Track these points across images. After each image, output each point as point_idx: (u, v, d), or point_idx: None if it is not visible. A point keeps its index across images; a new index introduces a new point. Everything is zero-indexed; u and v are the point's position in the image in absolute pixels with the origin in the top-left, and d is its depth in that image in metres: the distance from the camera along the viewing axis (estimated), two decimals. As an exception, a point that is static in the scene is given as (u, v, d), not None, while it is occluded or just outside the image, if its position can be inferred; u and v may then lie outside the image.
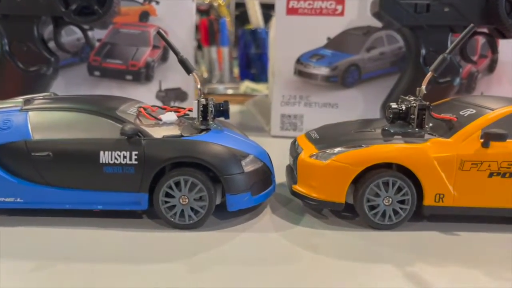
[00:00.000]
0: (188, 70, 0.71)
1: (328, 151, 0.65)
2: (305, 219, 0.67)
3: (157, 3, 1.19)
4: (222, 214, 0.65)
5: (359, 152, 0.63)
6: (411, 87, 1.02)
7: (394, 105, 0.69)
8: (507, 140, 0.62)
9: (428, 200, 0.63)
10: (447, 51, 0.68)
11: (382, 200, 0.63)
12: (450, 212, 0.64)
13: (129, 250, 0.56)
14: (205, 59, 2.36)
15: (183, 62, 0.71)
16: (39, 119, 0.62)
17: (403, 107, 0.68)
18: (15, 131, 0.61)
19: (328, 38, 1.19)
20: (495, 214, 0.65)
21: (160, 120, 0.65)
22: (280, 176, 0.74)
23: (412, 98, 0.69)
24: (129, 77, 1.21)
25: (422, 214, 0.65)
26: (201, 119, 0.69)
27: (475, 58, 1.13)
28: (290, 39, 1.19)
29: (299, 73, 1.21)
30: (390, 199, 0.63)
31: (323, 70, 1.20)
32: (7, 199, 0.61)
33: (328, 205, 0.65)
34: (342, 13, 1.16)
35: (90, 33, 1.16)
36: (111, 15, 1.02)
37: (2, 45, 1.00)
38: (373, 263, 0.55)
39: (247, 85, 2.17)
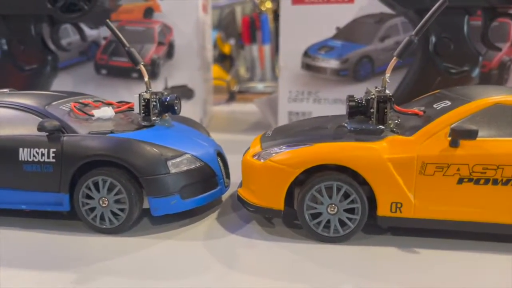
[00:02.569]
0: (135, 62, 0.67)
1: (268, 150, 0.57)
2: (247, 227, 0.59)
3: (161, -2, 1.16)
4: (162, 218, 0.60)
5: (298, 152, 0.54)
6: (421, 78, 0.90)
7: (353, 97, 0.59)
8: (482, 139, 0.51)
9: (383, 210, 0.53)
10: (414, 32, 0.57)
11: (326, 208, 0.54)
12: (411, 224, 0.53)
13: (36, 253, 0.52)
14: (246, 58, 2.31)
15: (130, 54, 0.67)
16: (-31, 116, 0.61)
17: (363, 100, 0.58)
18: None
19: (337, 28, 1.08)
20: (467, 230, 0.53)
21: (92, 115, 0.61)
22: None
23: (377, 89, 0.59)
24: (135, 75, 1.20)
25: (379, 226, 0.54)
26: (143, 114, 0.64)
27: (507, 45, 0.97)
28: (296, 30, 1.11)
29: (307, 67, 1.12)
30: (336, 207, 0.53)
31: (332, 63, 1.10)
32: None
33: (265, 212, 0.56)
34: (351, 0, 1.06)
35: (96, 32, 1.16)
36: (104, 12, 1.01)
37: (1, 45, 1.02)
38: (290, 282, 0.46)
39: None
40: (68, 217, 0.60)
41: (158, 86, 1.21)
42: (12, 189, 0.58)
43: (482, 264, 0.49)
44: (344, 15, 1.07)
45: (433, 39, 0.88)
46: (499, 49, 0.92)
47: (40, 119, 0.59)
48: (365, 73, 1.08)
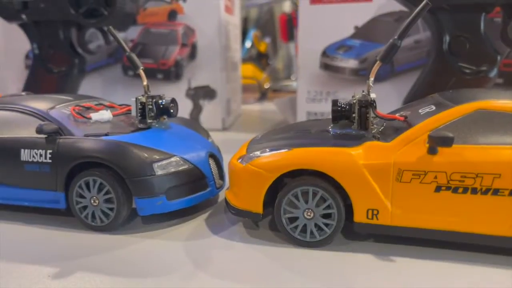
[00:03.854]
0: (135, 66, 0.70)
1: (251, 154, 0.58)
2: (231, 229, 0.60)
3: (184, 1, 1.20)
4: (153, 218, 0.62)
5: (276, 157, 0.55)
6: (435, 79, 0.87)
7: (336, 101, 0.58)
8: (461, 146, 0.49)
9: (359, 216, 0.52)
10: (397, 35, 0.56)
11: (302, 213, 0.54)
12: (387, 232, 0.52)
13: (29, 247, 0.56)
14: (284, 55, 2.31)
15: (130, 59, 0.70)
16: (-17, 118, 0.66)
17: (347, 105, 0.58)
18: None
19: (356, 27, 1.07)
20: (444, 239, 0.51)
21: (89, 118, 0.65)
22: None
23: (362, 93, 0.58)
24: (159, 75, 1.24)
25: (356, 232, 0.54)
26: (139, 117, 0.67)
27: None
28: (314, 30, 1.10)
29: (325, 66, 1.11)
30: (312, 212, 0.53)
31: (351, 63, 1.09)
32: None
33: (245, 215, 0.57)
34: (370, -1, 1.04)
35: (123, 35, 1.22)
36: (126, 16, 1.06)
37: (33, 49, 1.09)
38: (254, 286, 0.47)
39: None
40: (67, 214, 0.64)
41: (181, 86, 1.24)
42: (15, 187, 0.63)
43: (458, 274, 0.47)
44: (362, 14, 1.05)
45: (447, 38, 0.85)
46: (520, 48, 0.87)
47: (39, 120, 0.63)
48: (385, 72, 1.06)
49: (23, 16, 1.05)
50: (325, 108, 1.13)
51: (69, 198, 0.60)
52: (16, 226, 0.62)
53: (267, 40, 2.24)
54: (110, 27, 0.72)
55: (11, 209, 0.67)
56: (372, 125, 0.56)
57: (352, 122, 0.57)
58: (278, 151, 0.55)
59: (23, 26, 1.09)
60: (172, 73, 1.24)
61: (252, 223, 0.62)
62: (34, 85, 1.11)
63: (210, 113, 1.26)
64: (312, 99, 1.13)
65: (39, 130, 0.60)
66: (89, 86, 1.21)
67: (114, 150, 0.58)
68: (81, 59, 1.10)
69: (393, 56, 0.56)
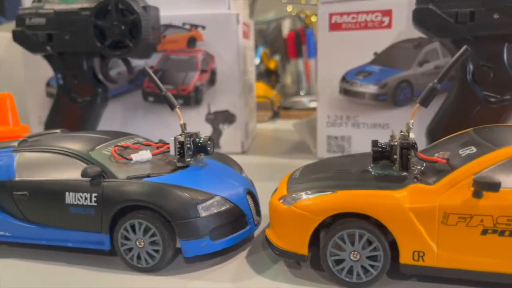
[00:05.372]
0: (171, 106, 0.71)
1: (294, 195, 0.59)
2: (274, 269, 0.61)
3: (203, 28, 1.21)
4: (195, 256, 0.63)
5: (321, 199, 0.56)
6: (459, 109, 0.89)
7: (377, 142, 0.60)
8: (507, 190, 0.50)
9: (405, 258, 0.53)
10: (437, 79, 0.57)
11: (349, 255, 0.55)
12: (434, 273, 0.53)
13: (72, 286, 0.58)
14: (292, 72, 2.33)
15: (166, 98, 0.71)
16: (23, 160, 0.67)
17: (387, 145, 0.59)
18: (3, 171, 0.67)
19: (375, 53, 1.09)
20: (490, 280, 0.52)
21: (130, 159, 0.66)
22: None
23: (401, 134, 0.59)
24: (180, 101, 1.25)
25: (401, 272, 0.55)
26: (178, 156, 0.68)
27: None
28: (334, 56, 1.12)
29: (345, 91, 1.13)
30: (358, 254, 0.55)
31: (371, 88, 1.10)
32: (-1, 233, 0.67)
33: (290, 256, 0.58)
34: (389, 26, 1.06)
35: (143, 61, 1.23)
36: (149, 46, 1.07)
37: (58, 79, 1.11)
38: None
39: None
40: (110, 254, 0.65)
41: (201, 111, 1.26)
42: (60, 229, 0.64)
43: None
44: (381, 41, 1.07)
45: (471, 67, 0.86)
46: (543, 76, 0.88)
47: (84, 164, 0.64)
48: (405, 97, 1.08)
49: (48, 48, 1.07)
50: (345, 132, 1.14)
51: (114, 239, 0.62)
52: (60, 268, 0.63)
53: (277, 57, 2.27)
54: (145, 66, 0.73)
55: (54, 250, 0.68)
56: (413, 166, 0.57)
57: (392, 162, 0.58)
58: (323, 193, 0.56)
59: (47, 57, 1.10)
60: (192, 99, 1.25)
61: (293, 261, 0.63)
62: (58, 115, 1.12)
63: (230, 137, 1.27)
64: (332, 123, 1.15)
65: (84, 174, 0.61)
66: (109, 112, 1.22)
67: (159, 193, 0.60)
68: (104, 88, 1.12)
69: (433, 99, 0.58)
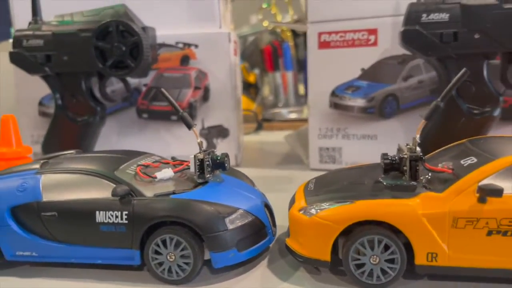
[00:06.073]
0: (188, 125, 0.75)
1: (314, 206, 0.64)
2: (297, 275, 0.66)
3: (196, 46, 1.26)
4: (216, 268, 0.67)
5: (342, 209, 0.61)
6: (446, 120, 0.96)
7: (387, 155, 0.66)
8: (508, 195, 0.57)
9: (420, 259, 0.59)
10: (439, 98, 0.64)
11: (369, 259, 0.60)
12: (446, 272, 0.59)
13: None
14: (270, 84, 2.40)
15: (183, 118, 0.75)
16: (49, 182, 0.69)
17: (397, 158, 0.65)
18: (29, 193, 0.69)
19: (363, 69, 1.16)
20: (497, 276, 0.59)
21: (155, 177, 0.70)
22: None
23: (408, 147, 0.66)
24: (174, 117, 1.29)
25: (416, 273, 0.61)
26: (198, 173, 0.72)
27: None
28: (323, 72, 1.18)
29: (335, 105, 1.19)
30: (378, 258, 0.60)
31: (359, 102, 1.17)
32: (25, 253, 0.69)
33: (314, 263, 0.64)
34: (375, 43, 1.13)
35: (137, 80, 1.26)
36: (148, 66, 1.10)
37: (56, 99, 1.12)
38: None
39: (310, 109, 2.15)
40: (135, 268, 0.68)
41: (196, 127, 1.29)
42: (89, 246, 0.67)
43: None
44: (368, 57, 1.15)
45: (455, 82, 0.94)
46: (519, 89, 0.98)
47: (111, 183, 0.67)
48: (391, 110, 1.15)
49: (46, 69, 1.08)
50: (336, 144, 1.21)
51: (144, 254, 0.65)
52: (91, 284, 0.66)
53: (256, 71, 2.33)
54: (162, 89, 0.77)
55: (79, 267, 0.70)
56: (421, 176, 0.63)
57: (402, 173, 0.65)
58: (343, 204, 0.62)
59: (45, 77, 1.12)
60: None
61: (312, 267, 0.68)
62: (57, 134, 1.14)
63: (224, 151, 1.30)
64: (323, 135, 1.21)
65: (114, 193, 0.65)
66: (105, 129, 1.24)
67: (189, 209, 0.63)
68: (102, 107, 1.14)
69: (436, 115, 0.64)
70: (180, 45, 1.26)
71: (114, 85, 1.27)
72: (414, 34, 0.93)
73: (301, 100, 2.34)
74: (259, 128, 1.93)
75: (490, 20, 0.89)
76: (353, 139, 1.19)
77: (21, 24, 1.16)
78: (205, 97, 1.28)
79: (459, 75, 0.63)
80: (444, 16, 0.91)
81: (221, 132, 1.30)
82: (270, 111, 2.22)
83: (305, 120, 2.02)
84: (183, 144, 1.29)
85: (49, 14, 1.13)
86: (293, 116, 2.17)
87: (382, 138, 1.16)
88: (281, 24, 2.26)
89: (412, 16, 0.93)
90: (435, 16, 0.92)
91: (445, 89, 0.96)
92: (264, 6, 2.38)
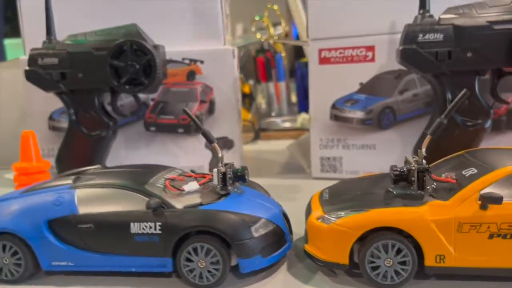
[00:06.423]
0: (210, 141, 0.81)
1: (332, 214, 0.70)
2: (316, 278, 0.72)
3: (202, 62, 1.31)
4: (240, 273, 0.73)
5: (359, 217, 0.68)
6: (442, 132, 1.04)
7: (396, 167, 0.73)
8: (507, 202, 0.64)
9: (429, 261, 0.66)
10: (443, 115, 0.71)
11: (383, 262, 0.67)
12: (452, 272, 0.66)
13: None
14: (263, 94, 2.46)
15: (205, 134, 0.81)
16: (83, 196, 0.74)
17: (405, 169, 0.72)
18: (65, 207, 0.74)
19: (361, 83, 1.23)
20: (498, 274, 0.66)
21: (183, 190, 0.75)
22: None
23: (415, 159, 0.72)
24: (180, 130, 1.34)
25: (426, 274, 0.68)
26: (221, 185, 0.78)
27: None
28: (324, 86, 1.25)
29: (335, 117, 1.26)
30: (391, 261, 0.67)
31: (358, 114, 1.24)
32: (62, 263, 0.74)
33: (333, 266, 0.70)
34: (373, 59, 1.21)
35: (145, 95, 1.31)
36: (158, 82, 1.16)
37: (70, 114, 1.17)
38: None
39: (303, 117, 2.24)
40: (164, 275, 0.74)
41: (201, 139, 1.34)
42: (124, 255, 0.72)
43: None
44: (366, 72, 1.22)
45: (449, 96, 1.02)
46: (507, 103, 1.06)
47: (142, 196, 0.73)
48: (388, 121, 1.23)
49: (61, 86, 1.13)
50: (336, 154, 1.27)
51: (176, 262, 0.70)
52: (127, 291, 0.71)
53: (251, 81, 2.39)
54: (185, 108, 0.83)
55: (112, 275, 0.75)
56: (427, 186, 0.70)
57: (410, 183, 0.71)
58: (359, 212, 0.68)
59: (59, 94, 1.16)
60: (192, 127, 1.34)
61: (328, 270, 0.74)
62: (71, 148, 1.18)
63: (229, 161, 1.37)
64: (324, 145, 1.28)
65: (148, 206, 0.70)
66: (114, 142, 1.29)
67: (218, 219, 0.69)
68: (114, 121, 1.19)
69: (440, 131, 0.71)
70: (187, 61, 1.32)
71: (123, 99, 1.32)
72: (411, 52, 1.00)
73: (294, 109, 2.41)
74: (256, 137, 1.99)
75: (481, 40, 0.97)
76: (352, 149, 1.26)
77: (32, 45, 1.19)
78: (211, 110, 1.34)
79: (460, 95, 0.70)
80: (439, 36, 0.99)
81: (226, 143, 1.36)
82: (264, 120, 2.28)
83: (299, 130, 2.10)
84: (189, 155, 1.35)
85: (60, 33, 1.18)
86: (287, 125, 2.24)
87: (380, 148, 1.24)
88: (285, 41, 2.33)
89: (409, 36, 1.00)
90: (431, 36, 0.99)
91: (440, 102, 1.05)
92: (257, 18, 2.45)
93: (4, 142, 1.52)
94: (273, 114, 2.41)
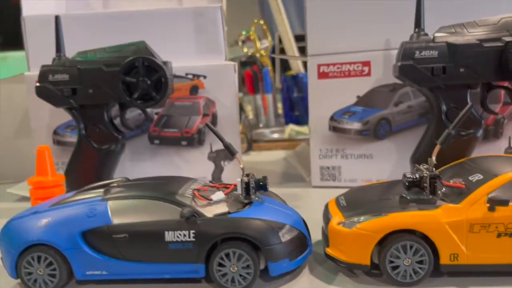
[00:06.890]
0: (232, 153, 0.85)
1: (353, 219, 0.76)
2: (338, 279, 0.78)
3: (205, 77, 1.36)
4: (267, 277, 0.77)
5: (379, 221, 0.74)
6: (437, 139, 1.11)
7: (408, 174, 0.79)
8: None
9: (444, 260, 0.73)
10: (451, 126, 0.78)
11: (403, 261, 0.73)
12: (465, 269, 0.73)
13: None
14: (251, 106, 2.52)
15: (228, 147, 0.85)
16: (116, 207, 0.78)
17: (417, 176, 0.79)
18: (99, 218, 0.77)
19: (358, 96, 1.30)
20: (508, 270, 0.73)
21: (211, 200, 0.79)
22: (319, 230, 0.86)
23: (425, 167, 0.79)
24: (184, 142, 1.38)
25: (440, 271, 0.74)
26: (244, 194, 0.82)
27: (499, 106, 1.21)
28: (323, 99, 1.32)
29: (334, 129, 1.33)
30: (410, 260, 0.73)
31: (355, 125, 1.31)
32: (96, 272, 0.77)
33: (355, 267, 0.76)
34: (369, 74, 1.28)
35: (150, 109, 1.34)
36: (166, 97, 1.20)
37: (80, 129, 1.19)
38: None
39: (291, 128, 2.30)
40: (194, 281, 0.78)
41: (204, 151, 1.39)
42: (158, 263, 0.75)
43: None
44: (363, 86, 1.29)
45: (444, 108, 1.10)
46: (496, 114, 1.15)
47: (174, 206, 0.77)
48: (384, 132, 1.30)
49: (72, 101, 1.16)
50: (335, 163, 1.34)
51: (209, 267, 0.74)
52: (161, 297, 0.75)
53: (240, 94, 2.45)
54: (208, 123, 0.87)
55: (143, 282, 0.79)
56: (438, 191, 0.77)
57: (422, 189, 0.78)
58: (379, 217, 0.74)
59: (69, 109, 1.19)
60: (195, 140, 1.38)
61: (348, 272, 0.79)
62: (80, 161, 1.20)
63: (230, 172, 1.41)
64: (324, 155, 1.34)
65: (182, 215, 0.74)
66: (119, 159, 1.31)
67: (249, 226, 0.74)
68: (123, 135, 1.22)
69: (449, 142, 0.78)
70: (190, 76, 1.36)
71: (127, 113, 1.35)
72: (409, 68, 1.08)
73: (281, 120, 2.48)
74: (249, 148, 2.04)
75: (472, 56, 1.05)
76: (351, 158, 1.33)
77: (38, 63, 1.21)
78: (213, 123, 1.38)
79: (465, 109, 0.78)
80: (434, 53, 1.07)
81: (228, 155, 1.41)
82: (254, 131, 2.34)
83: (288, 140, 2.16)
84: (192, 167, 1.38)
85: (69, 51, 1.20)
86: (276, 136, 2.30)
87: (377, 157, 1.31)
88: (283, 56, 2.41)
89: (407, 53, 1.08)
90: (427, 53, 1.07)
91: (435, 114, 1.13)
92: (244, 33, 2.52)
93: (2, 157, 1.53)
94: (261, 125, 2.47)
